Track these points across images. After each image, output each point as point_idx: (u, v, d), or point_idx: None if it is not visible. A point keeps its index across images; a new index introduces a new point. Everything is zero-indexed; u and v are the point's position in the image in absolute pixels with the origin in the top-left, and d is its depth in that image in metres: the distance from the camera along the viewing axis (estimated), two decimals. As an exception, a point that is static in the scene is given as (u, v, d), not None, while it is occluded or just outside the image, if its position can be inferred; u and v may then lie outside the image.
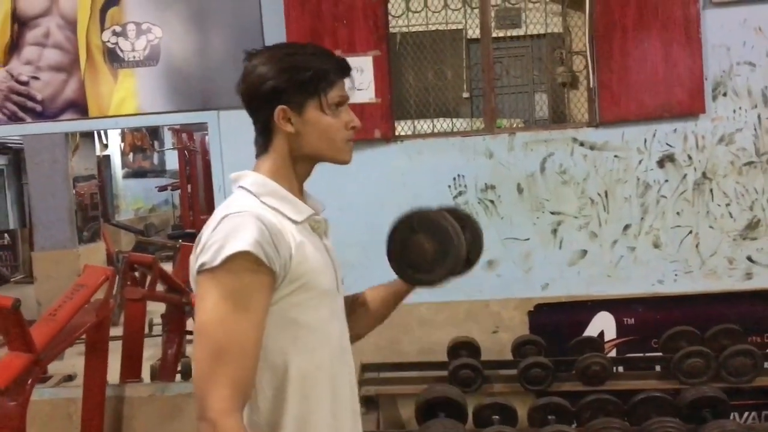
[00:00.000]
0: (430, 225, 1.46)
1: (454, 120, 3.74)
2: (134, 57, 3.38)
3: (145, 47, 3.37)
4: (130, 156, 13.10)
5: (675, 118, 3.17)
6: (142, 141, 13.34)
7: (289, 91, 1.32)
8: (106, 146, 11.51)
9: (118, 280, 4.57)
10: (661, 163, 3.21)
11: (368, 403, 3.13)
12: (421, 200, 3.33)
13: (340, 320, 1.42)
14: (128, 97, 3.39)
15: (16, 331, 2.67)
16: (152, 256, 4.50)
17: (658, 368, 3.14)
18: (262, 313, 1.23)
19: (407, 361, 3.27)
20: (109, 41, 3.38)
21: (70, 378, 4.72)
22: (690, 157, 3.20)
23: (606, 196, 3.24)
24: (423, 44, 3.71)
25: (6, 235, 10.74)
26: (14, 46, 3.42)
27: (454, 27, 3.82)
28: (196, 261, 1.25)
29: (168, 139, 13.12)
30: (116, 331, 4.02)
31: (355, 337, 1.51)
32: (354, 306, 1.54)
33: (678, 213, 3.21)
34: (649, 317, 3.24)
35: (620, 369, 3.17)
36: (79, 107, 3.42)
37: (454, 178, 3.28)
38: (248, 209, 1.25)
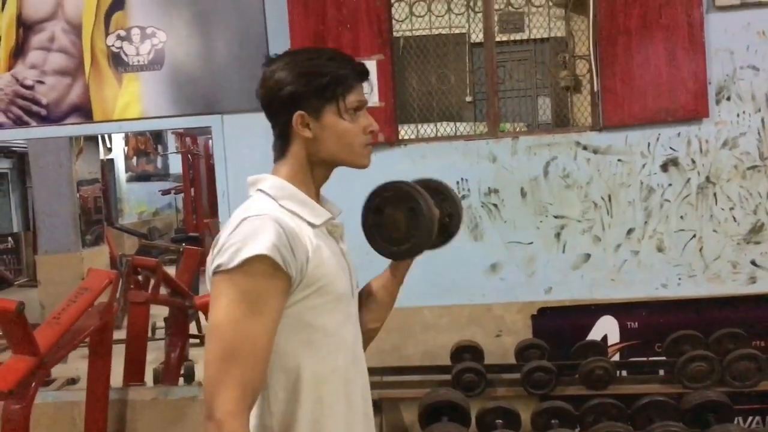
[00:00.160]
0: (392, 196, 1.45)
1: (458, 124, 3.74)
2: (139, 61, 3.39)
3: (150, 51, 3.38)
4: (134, 160, 13.13)
5: (678, 122, 3.17)
6: (146, 145, 13.37)
7: (307, 96, 1.32)
8: (109, 150, 11.54)
9: (121, 283, 4.58)
10: (664, 167, 3.21)
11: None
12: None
13: (354, 325, 1.42)
14: (133, 101, 3.40)
15: (20, 334, 2.68)
16: (156, 260, 4.50)
17: (661, 372, 3.13)
18: (276, 317, 1.24)
19: (410, 365, 3.27)
20: (113, 45, 3.39)
21: (73, 381, 4.72)
22: (694, 161, 3.20)
23: (609, 200, 3.23)
24: (426, 48, 3.72)
25: (10, 238, 10.76)
26: (19, 50, 3.44)
27: (457, 31, 3.82)
28: (212, 262, 1.26)
29: (172, 142, 13.13)
30: (119, 334, 4.03)
31: (368, 335, 1.50)
32: (363, 299, 1.54)
33: (682, 217, 3.21)
34: (652, 321, 3.23)
35: (624, 373, 3.16)
36: (84, 111, 3.43)
37: (458, 182, 3.28)
38: (267, 212, 1.26)
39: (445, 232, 1.55)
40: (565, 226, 3.26)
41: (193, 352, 5.30)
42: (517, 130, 3.98)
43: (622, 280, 3.25)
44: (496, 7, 3.45)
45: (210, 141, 9.82)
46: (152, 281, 4.23)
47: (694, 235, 3.21)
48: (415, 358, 3.32)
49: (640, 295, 3.24)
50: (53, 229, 6.91)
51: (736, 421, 3.03)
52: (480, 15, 3.44)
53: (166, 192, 12.68)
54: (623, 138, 3.21)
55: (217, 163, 3.43)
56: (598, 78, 3.19)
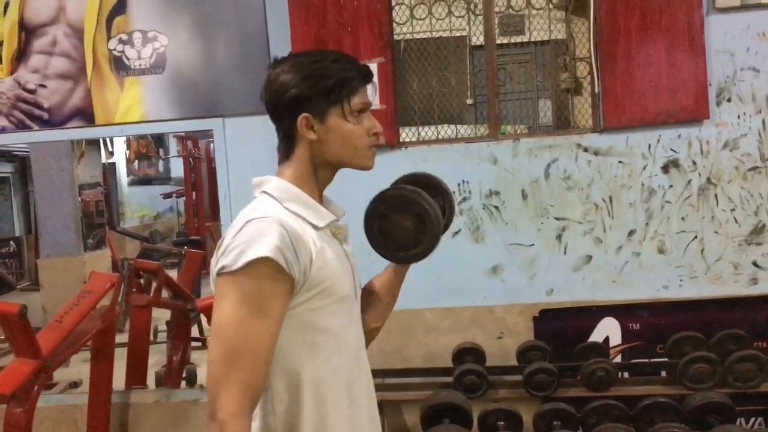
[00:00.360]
0: (398, 203, 1.46)
1: (459, 126, 3.74)
2: (140, 65, 3.40)
3: (151, 55, 3.39)
4: (136, 163, 13.14)
5: (679, 124, 3.18)
6: (148, 148, 13.39)
7: (311, 98, 1.33)
8: (111, 154, 11.56)
9: (123, 287, 4.58)
10: (665, 169, 3.22)
11: (373, 409, 3.13)
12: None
13: (357, 326, 1.43)
14: (134, 105, 3.41)
15: (23, 337, 2.68)
16: (158, 263, 4.51)
17: (663, 374, 3.13)
18: (279, 318, 1.25)
19: (412, 367, 3.27)
20: (115, 49, 3.41)
21: (75, 385, 4.73)
22: (694, 163, 3.20)
23: (610, 201, 3.24)
24: (427, 51, 3.72)
25: (12, 242, 10.77)
26: (21, 54, 3.46)
27: (458, 34, 3.83)
28: (217, 263, 1.26)
29: (173, 146, 13.16)
30: (121, 337, 4.03)
31: (369, 334, 1.51)
32: (364, 298, 1.54)
33: (683, 218, 3.21)
34: (654, 323, 3.23)
35: (625, 374, 3.16)
36: (86, 115, 3.44)
37: (459, 184, 3.29)
38: (271, 214, 1.26)
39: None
40: (566, 227, 3.26)
41: (195, 356, 5.30)
42: (518, 132, 3.99)
43: (624, 281, 3.25)
44: (497, 9, 3.46)
45: (211, 144, 9.84)
46: (154, 284, 4.23)
47: (696, 237, 3.21)
48: (417, 360, 3.32)
49: (642, 297, 3.24)
50: (55, 233, 6.92)
51: (738, 423, 3.03)
52: (480, 18, 3.45)
53: (167, 195, 12.70)
54: (624, 140, 3.22)
55: (218, 166, 3.44)
56: (599, 80, 3.20)
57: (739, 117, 3.18)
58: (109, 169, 11.30)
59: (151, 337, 4.50)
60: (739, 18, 3.15)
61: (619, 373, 3.07)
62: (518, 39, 4.45)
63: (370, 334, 1.51)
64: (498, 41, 3.53)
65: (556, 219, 3.27)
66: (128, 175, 12.91)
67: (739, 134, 3.18)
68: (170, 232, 13.14)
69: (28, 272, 10.33)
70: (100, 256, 7.63)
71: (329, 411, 1.32)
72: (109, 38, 3.41)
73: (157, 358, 4.85)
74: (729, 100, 3.18)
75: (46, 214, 6.96)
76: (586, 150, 3.24)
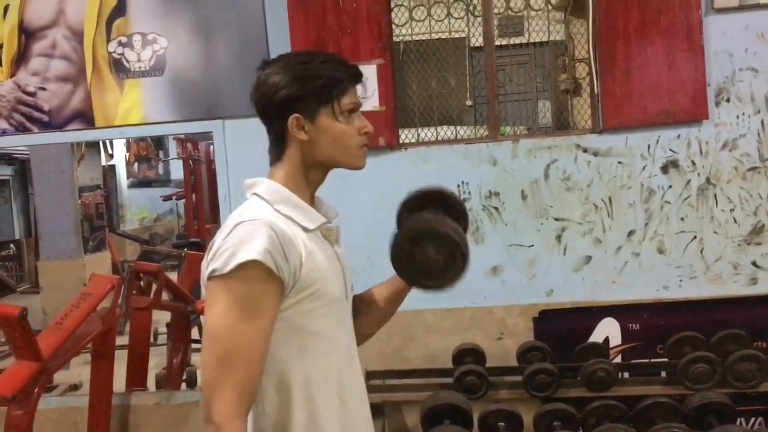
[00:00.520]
0: (432, 235, 1.46)
1: (458, 128, 3.75)
2: (140, 67, 3.40)
3: (151, 57, 3.40)
4: (135, 166, 13.16)
5: (678, 124, 3.18)
6: (147, 151, 13.40)
7: (302, 99, 1.33)
8: (111, 156, 11.57)
9: (123, 289, 4.59)
10: (664, 169, 3.22)
11: (373, 410, 3.11)
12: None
13: (348, 328, 1.43)
14: (134, 107, 3.41)
15: (23, 339, 2.69)
16: (158, 265, 4.51)
17: (663, 374, 3.13)
18: (270, 321, 1.25)
19: (412, 368, 3.28)
20: (115, 52, 3.41)
21: (75, 387, 4.74)
22: (694, 163, 3.21)
23: (610, 202, 3.24)
24: (426, 53, 3.73)
25: (12, 245, 10.79)
26: (21, 57, 3.46)
27: (457, 35, 3.84)
28: (207, 266, 1.27)
29: (173, 148, 13.17)
30: (122, 340, 4.04)
31: (362, 337, 1.52)
32: (360, 305, 1.55)
33: (682, 219, 3.22)
34: (654, 323, 3.24)
35: (626, 375, 3.16)
36: (86, 117, 3.45)
37: (458, 185, 3.29)
38: (261, 217, 1.27)
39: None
40: (565, 228, 3.27)
41: (196, 358, 5.30)
42: (518, 133, 3.99)
43: (624, 282, 3.25)
44: (496, 11, 3.47)
45: (211, 146, 9.83)
46: (154, 286, 4.24)
47: (695, 237, 3.22)
48: (417, 361, 3.32)
49: (642, 297, 3.25)
50: (55, 236, 6.93)
51: (738, 423, 3.03)
52: (479, 19, 3.46)
53: (167, 198, 12.71)
54: (623, 140, 3.22)
55: (218, 168, 3.44)
56: (598, 81, 3.20)
57: (738, 117, 3.19)
58: (109, 172, 11.31)
59: (152, 340, 4.50)
60: (738, 18, 3.16)
61: (619, 374, 3.07)
62: (517, 40, 4.46)
63: (361, 337, 1.51)
64: (497, 42, 3.54)
65: (556, 220, 3.27)
66: (128, 178, 12.93)
67: (738, 134, 3.19)
68: (170, 234, 13.15)
69: (28, 275, 10.35)
70: (100, 259, 7.64)
71: (320, 413, 1.32)
72: (108, 41, 3.41)
73: (157, 360, 4.85)
74: (728, 100, 3.19)
75: (46, 217, 6.97)
76: (585, 151, 3.25)
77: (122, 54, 3.41)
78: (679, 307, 3.21)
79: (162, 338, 5.61)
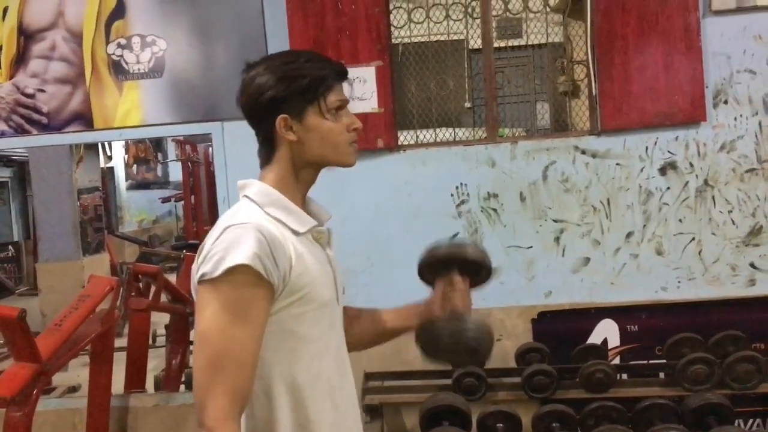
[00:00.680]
0: (463, 344, 1.48)
1: (457, 130, 3.75)
2: (139, 69, 3.41)
3: (150, 59, 3.40)
4: (134, 168, 13.15)
5: (676, 126, 3.19)
6: (146, 153, 13.40)
7: (288, 99, 1.33)
8: (110, 158, 11.57)
9: (122, 291, 4.58)
10: (662, 171, 3.23)
11: (372, 411, 3.13)
12: (424, 209, 3.34)
13: (338, 331, 1.42)
14: (133, 109, 3.42)
15: (22, 341, 2.69)
16: (157, 267, 4.51)
17: (662, 375, 3.14)
18: (261, 324, 1.25)
19: (411, 369, 3.27)
20: (114, 54, 3.41)
21: (74, 389, 4.73)
22: (692, 165, 3.21)
23: (608, 203, 3.25)
24: (425, 55, 3.74)
25: (10, 247, 10.78)
26: (20, 59, 3.46)
27: (455, 38, 3.85)
28: (197, 270, 1.27)
29: (171, 150, 13.17)
30: (120, 342, 4.03)
31: (356, 348, 1.53)
32: (369, 323, 1.57)
33: (680, 220, 3.22)
34: (652, 324, 3.24)
35: (624, 376, 3.17)
36: (85, 119, 3.45)
37: (457, 187, 3.30)
38: (250, 221, 1.26)
39: None
40: (564, 230, 3.27)
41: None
42: (516, 135, 4.00)
43: (622, 283, 3.26)
44: (494, 13, 3.47)
45: (210, 148, 9.84)
46: (153, 288, 4.23)
47: (693, 238, 3.22)
48: (416, 363, 3.30)
49: (640, 299, 3.25)
50: (54, 238, 6.92)
51: (736, 424, 3.03)
52: (478, 21, 3.47)
53: (166, 200, 12.71)
54: (621, 142, 3.23)
55: (217, 169, 3.44)
56: (596, 83, 3.21)
57: (735, 119, 3.19)
58: (108, 174, 11.31)
59: (150, 342, 4.50)
60: (735, 20, 3.17)
61: (618, 375, 3.07)
62: (516, 42, 4.47)
63: (351, 345, 1.50)
64: (495, 44, 3.55)
65: (554, 221, 3.27)
66: (127, 180, 12.92)
67: (735, 136, 3.20)
68: (169, 236, 13.15)
69: (27, 277, 10.33)
70: (99, 261, 7.63)
71: (311, 416, 1.32)
72: (107, 42, 3.41)
73: (156, 362, 4.84)
74: (726, 102, 3.19)
75: (44, 219, 6.97)
76: (583, 152, 3.25)
77: (121, 56, 3.42)
78: (677, 308, 3.22)
79: (160, 340, 5.60)
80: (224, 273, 1.21)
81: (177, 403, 3.45)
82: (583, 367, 3.02)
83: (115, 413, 3.37)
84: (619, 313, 3.26)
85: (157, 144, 13.53)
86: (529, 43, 4.00)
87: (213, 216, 10.22)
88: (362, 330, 1.56)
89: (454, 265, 1.51)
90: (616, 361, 3.26)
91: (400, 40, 3.61)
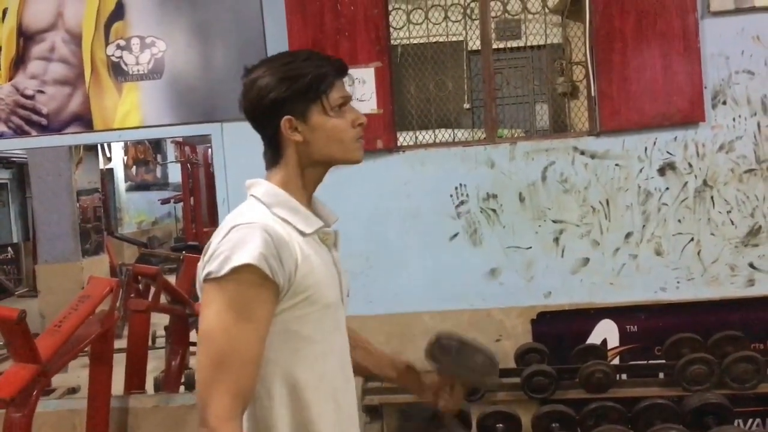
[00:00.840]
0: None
1: (456, 131, 3.76)
2: (138, 70, 3.41)
3: (149, 61, 3.41)
4: (133, 169, 13.16)
5: (675, 127, 3.20)
6: (145, 154, 13.41)
7: (291, 100, 1.32)
8: (109, 160, 11.58)
9: (121, 292, 4.58)
10: (661, 171, 3.23)
11: (372, 412, 3.13)
12: (423, 210, 3.34)
13: (342, 333, 1.42)
14: (132, 110, 3.42)
15: (22, 342, 2.69)
16: (156, 268, 4.51)
17: (661, 375, 3.13)
18: (265, 324, 1.25)
19: (411, 370, 3.27)
20: (113, 55, 3.42)
21: (74, 390, 4.73)
22: (690, 165, 3.22)
23: (607, 204, 3.25)
24: (424, 56, 3.74)
25: (9, 248, 10.77)
26: (20, 60, 3.47)
27: (454, 39, 3.85)
28: (203, 269, 1.27)
29: (171, 152, 13.17)
30: (120, 343, 4.03)
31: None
32: (372, 357, 1.62)
33: (679, 220, 3.23)
34: (651, 324, 3.24)
35: (623, 376, 3.16)
36: (84, 120, 3.45)
37: (456, 188, 3.30)
38: (256, 220, 1.26)
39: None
40: (563, 230, 3.27)
41: (194, 361, 5.28)
42: (515, 136, 4.00)
43: (621, 283, 3.26)
44: (493, 14, 3.48)
45: (209, 150, 9.85)
46: (153, 289, 4.23)
47: (692, 239, 3.23)
48: (416, 364, 3.32)
49: (639, 299, 3.25)
50: (53, 239, 6.92)
51: (736, 424, 3.03)
52: (477, 22, 3.47)
53: (165, 201, 12.72)
54: (620, 143, 3.23)
55: (216, 170, 3.45)
56: (595, 83, 3.22)
57: (734, 119, 3.20)
58: (107, 175, 11.31)
59: (150, 343, 4.50)
60: (734, 21, 3.17)
61: (617, 375, 3.07)
62: (515, 43, 4.48)
63: None
64: (494, 46, 3.55)
65: (554, 222, 3.28)
66: (126, 181, 12.93)
67: (734, 137, 3.20)
68: (168, 237, 13.15)
69: (26, 278, 10.33)
70: (98, 262, 7.62)
71: (314, 417, 1.32)
72: (107, 44, 3.42)
73: (155, 364, 4.85)
74: (724, 102, 3.20)
75: (44, 220, 6.97)
76: (582, 153, 3.26)
77: (120, 57, 3.42)
78: (676, 308, 3.22)
79: (160, 342, 5.60)
80: (230, 272, 1.21)
81: (177, 404, 3.46)
82: (582, 367, 3.02)
83: (115, 414, 3.37)
84: (619, 313, 3.26)
85: (157, 145, 13.55)
86: (528, 44, 4.00)
87: (212, 217, 10.24)
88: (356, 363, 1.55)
89: (461, 373, 1.52)
90: (616, 361, 3.26)
91: (399, 41, 3.62)
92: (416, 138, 3.54)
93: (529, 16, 3.66)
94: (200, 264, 1.30)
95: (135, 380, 3.90)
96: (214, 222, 9.57)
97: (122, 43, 3.41)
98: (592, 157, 3.26)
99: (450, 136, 3.63)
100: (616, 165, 3.24)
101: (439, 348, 1.54)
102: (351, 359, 1.48)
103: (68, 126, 3.46)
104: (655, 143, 3.22)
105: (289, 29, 3.25)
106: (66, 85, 3.45)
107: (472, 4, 3.54)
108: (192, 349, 4.93)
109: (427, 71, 3.74)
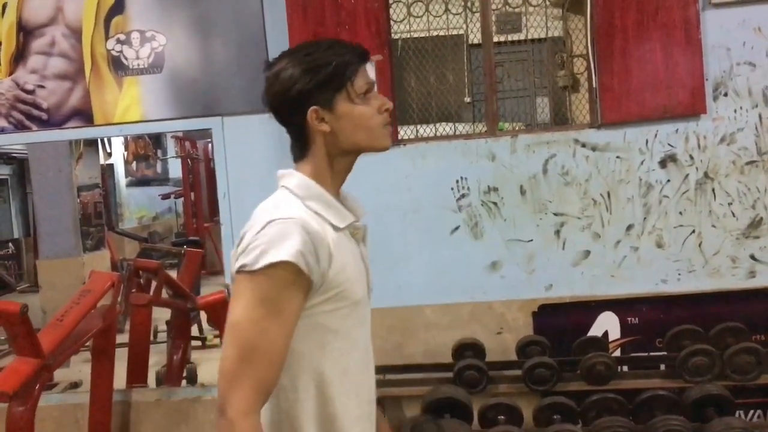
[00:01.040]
0: None
1: (457, 125, 3.75)
2: (139, 65, 3.41)
3: (150, 55, 3.40)
4: (134, 164, 13.15)
5: (676, 119, 3.19)
6: (146, 149, 13.40)
7: (316, 90, 1.31)
8: (109, 155, 11.56)
9: (123, 286, 4.59)
10: (663, 164, 3.23)
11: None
12: (424, 204, 3.35)
13: (366, 328, 1.42)
14: (133, 105, 3.42)
15: (24, 336, 2.70)
16: (158, 262, 4.52)
17: (662, 367, 3.15)
18: (294, 320, 1.25)
19: (412, 363, 3.29)
20: (113, 49, 3.41)
21: (76, 385, 4.74)
22: (692, 157, 3.22)
23: (608, 196, 3.25)
24: (425, 50, 3.73)
25: (10, 244, 10.78)
26: (20, 55, 3.46)
27: (455, 32, 3.84)
28: (236, 260, 1.26)
29: (171, 147, 13.17)
30: (121, 338, 4.04)
31: None
32: None
33: (681, 213, 3.23)
34: (653, 317, 3.25)
35: (625, 368, 3.17)
36: (85, 115, 3.45)
37: (457, 181, 3.30)
38: (294, 216, 1.25)
39: None
40: (564, 223, 3.27)
41: (196, 355, 5.31)
42: (516, 129, 3.99)
43: (622, 276, 3.26)
44: (494, 7, 3.47)
45: (209, 145, 9.85)
46: (154, 284, 4.24)
47: (693, 231, 3.23)
48: (417, 356, 3.33)
49: (640, 291, 3.26)
50: (54, 235, 6.92)
51: (737, 415, 3.04)
52: (477, 15, 3.46)
53: (166, 196, 12.71)
54: (621, 135, 3.23)
55: (217, 165, 3.44)
56: (596, 76, 3.21)
57: (735, 111, 3.20)
58: (108, 171, 11.30)
59: (151, 338, 4.51)
60: (735, 13, 3.16)
61: (618, 367, 3.08)
62: (515, 37, 4.46)
63: None
64: (495, 39, 3.54)
65: (555, 215, 3.28)
66: (126, 177, 12.92)
67: (735, 128, 3.20)
68: (169, 233, 13.15)
69: (27, 274, 10.34)
70: (100, 257, 7.64)
71: (337, 412, 1.32)
72: (107, 38, 3.41)
73: (156, 359, 4.86)
74: (725, 94, 3.19)
75: (44, 216, 6.97)
76: (583, 146, 3.26)
77: (121, 51, 3.42)
78: (677, 300, 3.22)
79: (161, 336, 5.62)
80: (265, 267, 1.20)
81: (179, 398, 3.46)
82: (583, 359, 3.03)
83: (117, 408, 3.38)
84: (620, 305, 3.26)
85: (157, 141, 13.54)
86: (529, 37, 3.98)
87: (213, 212, 10.24)
88: None
89: None
90: (617, 353, 3.27)
91: (399, 35, 3.61)
92: (417, 132, 3.54)
93: (530, 9, 3.65)
94: (233, 252, 1.29)
95: (137, 374, 3.91)
96: (214, 217, 9.58)
97: (122, 37, 3.41)
98: (593, 149, 3.26)
99: (451, 129, 3.62)
100: (617, 157, 3.24)
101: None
102: None
103: (69, 121, 3.46)
104: (656, 135, 3.22)
105: (289, 22, 3.24)
106: (66, 80, 3.45)
107: (473, -3, 3.54)
108: (194, 343, 4.95)
109: (428, 65, 3.73)
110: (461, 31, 3.95)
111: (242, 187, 3.34)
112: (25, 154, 8.73)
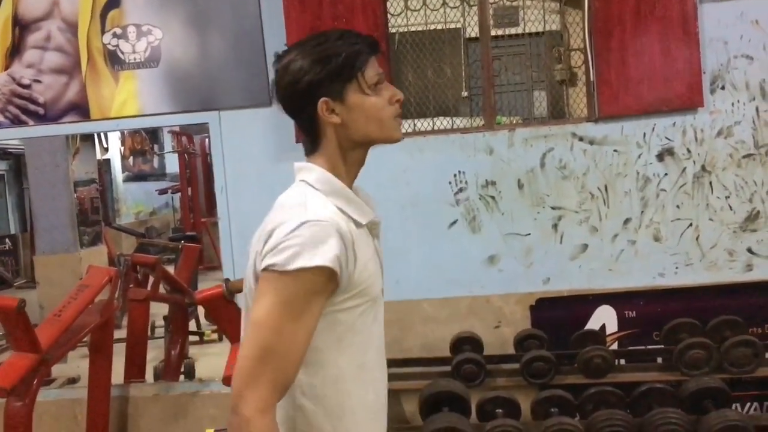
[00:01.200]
0: None
1: (454, 119, 3.75)
2: (135, 59, 3.39)
3: (146, 49, 3.39)
4: (131, 159, 13.11)
5: (674, 112, 3.19)
6: (142, 144, 13.36)
7: (326, 81, 1.28)
8: (106, 150, 11.53)
9: (120, 282, 4.59)
10: (660, 157, 3.23)
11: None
12: (422, 198, 3.35)
13: (380, 324, 1.41)
14: (129, 99, 3.41)
15: (22, 331, 2.69)
16: (155, 257, 4.52)
17: (659, 360, 3.16)
18: (315, 323, 1.24)
19: (411, 357, 3.29)
20: (110, 43, 3.40)
21: (73, 381, 4.74)
22: (689, 151, 3.22)
23: (606, 190, 3.25)
24: (422, 44, 3.73)
25: (7, 239, 10.75)
26: (16, 49, 3.45)
27: (452, 26, 3.83)
28: (263, 257, 1.24)
29: (168, 142, 13.14)
30: (119, 334, 4.04)
31: None
32: None
33: (678, 206, 3.23)
34: (650, 310, 3.25)
35: (622, 361, 3.18)
36: (81, 109, 3.44)
37: (455, 175, 3.30)
38: (328, 218, 1.24)
39: None
40: (562, 217, 3.28)
41: (194, 350, 5.31)
42: (513, 123, 3.99)
43: (620, 269, 3.27)
44: (491, 0, 3.46)
45: (206, 140, 9.83)
46: (151, 279, 4.24)
47: (691, 224, 3.23)
48: (416, 350, 3.34)
49: (638, 285, 3.26)
50: (51, 230, 6.90)
51: (734, 408, 3.05)
52: (475, 8, 3.46)
53: (163, 191, 12.69)
54: (619, 128, 3.23)
55: (214, 159, 3.44)
56: (594, 69, 3.21)
57: (733, 104, 3.20)
58: (104, 166, 11.27)
59: (149, 333, 4.51)
60: (733, 6, 3.16)
61: (616, 360, 3.09)
62: (513, 31, 4.45)
63: None
64: (492, 33, 3.53)
65: (552, 208, 3.28)
66: (123, 172, 12.88)
67: (733, 122, 3.20)
68: (166, 228, 13.14)
69: (24, 270, 10.32)
70: (97, 253, 7.62)
71: (354, 407, 1.31)
72: (103, 32, 3.40)
73: (154, 354, 4.86)
74: (723, 87, 3.19)
75: (41, 211, 6.95)
76: (581, 139, 3.26)
77: (117, 46, 3.40)
78: (675, 294, 3.23)
79: (159, 331, 5.61)
80: (297, 270, 1.19)
81: (176, 392, 3.47)
82: (581, 352, 3.04)
83: (115, 403, 3.38)
84: (617, 299, 3.27)
85: (154, 135, 13.50)
86: (527, 31, 3.98)
87: (210, 207, 10.22)
88: None
89: None
90: (614, 346, 3.27)
91: (396, 28, 3.60)
92: (414, 126, 3.53)
93: (528, 3, 3.65)
94: (256, 249, 1.27)
95: (134, 369, 3.91)
96: (211, 212, 9.56)
97: (118, 31, 3.39)
98: (591, 143, 3.25)
99: (448, 123, 3.62)
100: (615, 151, 3.24)
101: None
102: None
103: (65, 115, 3.45)
104: (653, 129, 3.22)
105: (286, 16, 3.23)
106: (62, 74, 3.43)
107: (470, -10, 3.53)
108: (191, 338, 4.94)
109: (425, 58, 3.72)
110: (458, 25, 3.94)
111: (239, 182, 3.33)
112: (22, 149, 8.71)
